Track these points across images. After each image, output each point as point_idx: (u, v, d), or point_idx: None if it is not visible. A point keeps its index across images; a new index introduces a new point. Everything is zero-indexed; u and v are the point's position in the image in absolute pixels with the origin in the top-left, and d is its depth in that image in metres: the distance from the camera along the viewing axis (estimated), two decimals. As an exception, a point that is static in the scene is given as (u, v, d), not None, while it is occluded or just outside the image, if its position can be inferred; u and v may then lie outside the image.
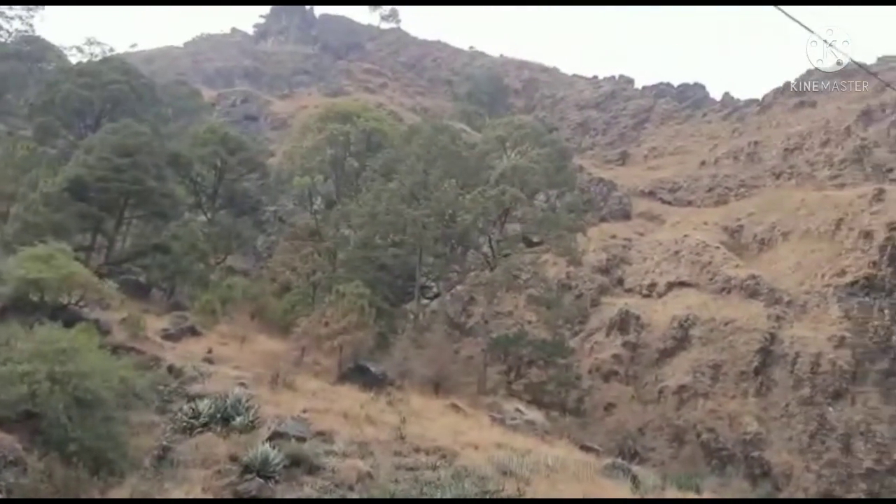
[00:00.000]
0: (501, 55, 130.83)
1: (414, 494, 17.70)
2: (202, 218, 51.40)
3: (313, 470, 18.43)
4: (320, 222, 51.03)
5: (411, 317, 42.44)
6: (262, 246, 59.86)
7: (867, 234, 54.34)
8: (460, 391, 34.58)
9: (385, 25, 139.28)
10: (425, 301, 46.57)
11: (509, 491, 18.30)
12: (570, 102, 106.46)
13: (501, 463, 20.21)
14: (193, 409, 20.85)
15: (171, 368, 25.62)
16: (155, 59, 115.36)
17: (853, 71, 74.74)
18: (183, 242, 39.87)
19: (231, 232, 50.87)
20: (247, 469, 17.59)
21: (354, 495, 17.77)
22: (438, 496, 17.56)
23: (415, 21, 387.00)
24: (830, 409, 46.05)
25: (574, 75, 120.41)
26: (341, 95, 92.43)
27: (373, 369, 31.78)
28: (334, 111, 57.50)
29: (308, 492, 17.61)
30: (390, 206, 40.91)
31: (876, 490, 42.29)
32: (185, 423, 20.30)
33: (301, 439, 19.77)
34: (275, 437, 19.58)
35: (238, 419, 20.36)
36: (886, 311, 50.33)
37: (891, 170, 68.50)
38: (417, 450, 20.92)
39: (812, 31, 10.95)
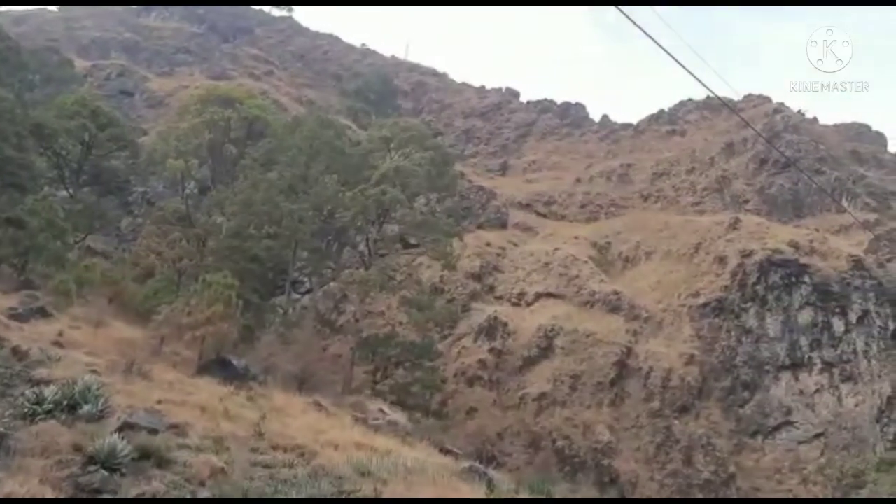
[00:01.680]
0: (393, 56, 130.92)
1: (268, 493, 17.21)
2: (63, 193, 48.18)
3: (164, 463, 17.54)
4: (191, 208, 48.91)
5: (280, 311, 41.46)
6: (127, 228, 56.73)
7: (721, 259, 58.51)
8: (325, 389, 34.08)
9: (277, 13, 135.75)
10: (296, 296, 45.76)
11: (366, 492, 18.17)
12: (457, 109, 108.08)
13: (360, 463, 20.00)
14: (37, 395, 19.30)
15: (15, 350, 23.62)
16: (25, 20, 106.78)
17: (721, 105, 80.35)
18: (39, 217, 37.04)
19: (94, 211, 47.97)
20: (91, 460, 16.47)
21: (206, 492, 17.07)
22: (294, 494, 17.19)
23: (307, 11, 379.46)
24: (676, 422, 49.05)
25: (463, 83, 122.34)
26: (225, 79, 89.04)
27: (235, 363, 30.67)
28: (216, 94, 55.46)
29: (156, 486, 16.74)
30: (267, 197, 39.84)
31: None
32: (26, 410, 18.75)
33: (153, 431, 18.79)
34: (125, 427, 18.48)
35: (86, 408, 19.06)
36: (733, 333, 54.36)
37: (747, 200, 74.18)
38: (275, 447, 20.37)
39: (682, 66, 11.63)
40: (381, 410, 31.26)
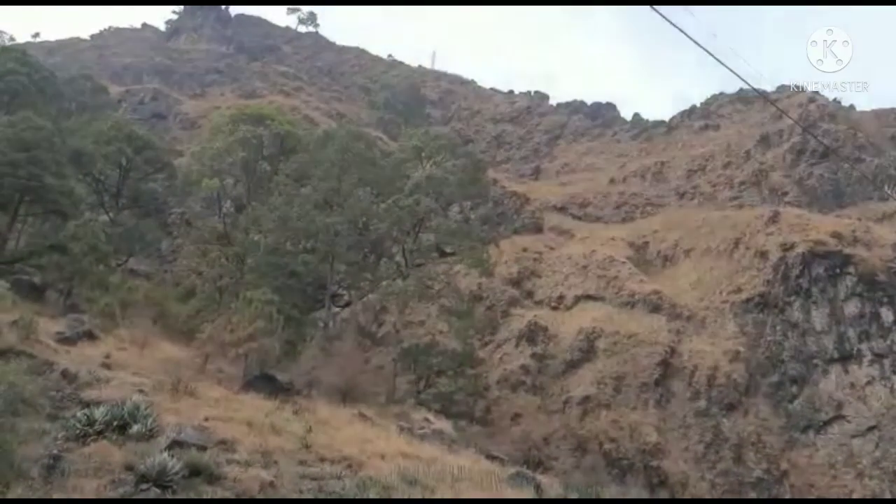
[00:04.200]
0: (420, 66, 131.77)
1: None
2: (104, 218, 49.20)
3: (213, 479, 17.76)
4: (229, 226, 49.64)
5: (321, 325, 41.78)
6: (167, 249, 57.75)
7: (762, 254, 57.44)
8: (369, 400, 34.24)
9: (303, 29, 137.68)
10: (336, 309, 46.07)
11: (414, 500, 18.18)
12: (487, 116, 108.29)
13: (407, 472, 20.04)
14: (88, 416, 19.71)
15: (65, 373, 24.15)
16: (58, 50, 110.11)
17: (754, 97, 79.20)
18: (82, 243, 37.93)
19: (134, 233, 48.90)
20: (143, 479, 16.75)
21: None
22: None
23: (333, 26, 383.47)
24: (724, 420, 48.19)
25: (491, 89, 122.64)
26: (255, 97, 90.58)
27: (279, 378, 31.05)
28: (247, 113, 56.11)
29: (209, 505, 16.96)
30: (302, 212, 40.21)
31: (765, 497, 44.50)
32: (78, 431, 19.16)
33: (202, 448, 19.03)
34: (174, 445, 18.76)
35: (135, 427, 19.40)
36: (778, 328, 53.28)
37: (786, 193, 72.83)
38: (323, 459, 20.50)
39: (710, 53, 11.47)
40: (426, 419, 31.30)
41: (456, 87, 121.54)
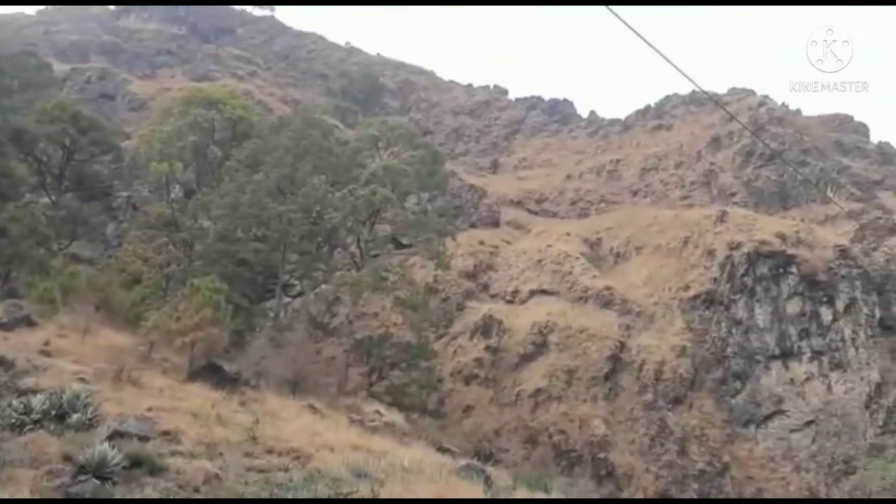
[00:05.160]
0: (378, 54, 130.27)
1: (264, 496, 16.98)
2: (46, 200, 47.44)
3: (156, 471, 17.28)
4: (177, 212, 48.29)
5: (271, 315, 41.10)
6: (112, 234, 56.06)
7: (710, 252, 58.72)
8: (320, 392, 33.83)
9: (259, 12, 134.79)
10: (287, 299, 45.39)
11: (363, 493, 17.98)
12: (446, 107, 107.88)
13: (356, 465, 19.81)
14: (24, 405, 18.96)
15: (1, 361, 23.27)
16: (1, 27, 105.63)
17: (706, 99, 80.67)
18: (22, 225, 36.49)
19: (78, 217, 47.24)
20: (82, 469, 16.18)
21: (200, 498, 16.83)
22: (290, 498, 16.97)
23: (290, 11, 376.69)
24: (670, 413, 49.20)
25: (450, 81, 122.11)
26: (207, 81, 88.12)
27: (227, 368, 30.32)
28: (199, 96, 54.75)
29: (149, 493, 16.48)
30: (254, 199, 39.38)
31: (707, 490, 45.58)
32: (14, 420, 18.44)
33: (144, 439, 18.51)
34: (115, 436, 18.19)
35: (75, 416, 18.75)
36: (723, 324, 54.59)
37: (734, 193, 74.52)
38: (270, 451, 20.14)
39: (667, 59, 11.47)
40: (378, 412, 31.08)
41: (415, 78, 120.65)
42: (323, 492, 17.39)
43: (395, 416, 31.87)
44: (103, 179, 52.87)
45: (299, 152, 42.53)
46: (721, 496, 45.34)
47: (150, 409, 21.39)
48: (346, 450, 21.49)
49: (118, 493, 16.11)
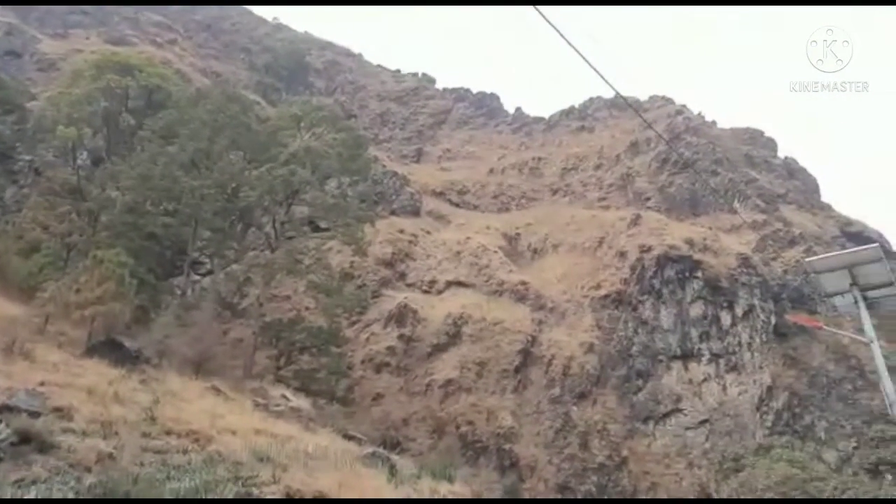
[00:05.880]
0: (306, 32, 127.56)
1: (160, 478, 16.35)
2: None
3: (46, 448, 16.40)
4: (83, 180, 45.92)
5: (178, 292, 39.60)
6: (11, 198, 52.68)
7: (622, 254, 60.46)
8: (225, 374, 32.90)
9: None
10: (196, 277, 43.85)
11: (264, 477, 17.60)
12: (372, 92, 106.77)
13: (259, 449, 19.38)
14: None
15: None
16: None
17: (629, 103, 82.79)
18: None
19: (-28, 179, 44.30)
20: (-35, 445, 15.19)
21: (91, 478, 16.04)
22: (187, 481, 16.42)
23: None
24: (575, 408, 50.41)
25: (378, 66, 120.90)
26: (124, 45, 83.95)
27: (127, 345, 29.09)
28: (114, 60, 52.03)
29: (37, 471, 15.61)
30: (167, 172, 37.77)
31: (604, 483, 46.99)
32: None
33: (34, 415, 17.53)
34: (3, 410, 17.19)
35: (-42, 390, 17.62)
36: (630, 324, 56.33)
37: (649, 198, 76.90)
38: (169, 432, 19.43)
39: (589, 62, 11.58)
40: (284, 396, 30.50)
41: (342, 59, 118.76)
42: (222, 475, 16.91)
43: (302, 402, 31.38)
44: (5, 140, 49.76)
45: (217, 126, 41.04)
46: (618, 490, 46.85)
47: (42, 384, 20.32)
48: (248, 434, 20.99)
49: (4, 469, 15.20)
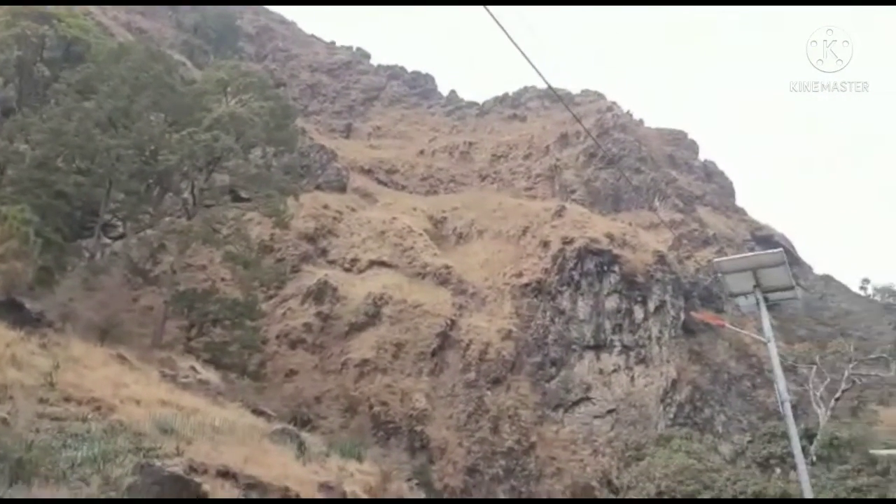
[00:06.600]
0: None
1: (56, 446, 15.68)
2: None
3: (-67, 412, 15.50)
4: (-10, 130, 43.23)
5: (87, 255, 37.79)
6: None
7: (545, 244, 61.55)
8: (132, 342, 31.77)
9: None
10: (107, 241, 41.96)
11: (167, 449, 17.14)
12: (304, 62, 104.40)
13: (163, 420, 18.86)
14: None
15: None
16: None
17: (561, 96, 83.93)
18: None
19: None
20: None
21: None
22: (85, 449, 15.81)
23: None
24: (489, 392, 51.21)
25: (312, 35, 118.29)
26: (44, -8, 79.33)
27: (28, 306, 27.68)
28: (30, 7, 49.04)
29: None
30: (81, 128, 35.84)
31: (512, 467, 48.01)
32: None
33: (-81, 376, 16.53)
34: None
35: None
36: (548, 313, 57.50)
37: (574, 191, 78.44)
38: (68, 399, 18.65)
39: (524, 54, 11.63)
40: (193, 368, 29.69)
41: (275, 26, 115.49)
42: (123, 445, 16.36)
43: (212, 375, 30.63)
44: None
45: (138, 85, 39.19)
46: (525, 474, 47.96)
47: (-72, 344, 19.17)
48: (153, 404, 20.39)
49: None
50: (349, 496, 18.50)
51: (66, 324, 28.41)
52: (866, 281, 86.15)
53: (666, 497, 42.55)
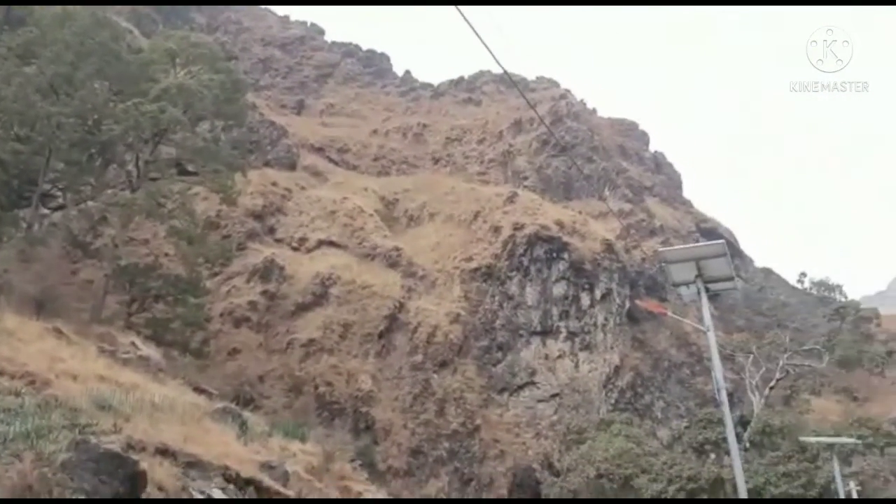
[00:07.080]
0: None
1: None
2: None
3: None
4: (-79, 91, 41.09)
5: (24, 225, 36.39)
6: None
7: (496, 229, 61.89)
8: (70, 316, 30.80)
9: None
10: (46, 211, 40.41)
11: (104, 426, 16.72)
12: (256, 35, 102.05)
13: (101, 396, 18.37)
14: None
15: None
16: None
17: (516, 81, 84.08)
18: None
19: None
20: None
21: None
22: (17, 424, 15.31)
23: None
24: (435, 375, 51.49)
25: (265, 9, 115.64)
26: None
27: (-41, 277, 26.67)
28: (-33, -38, 46.67)
29: None
30: (21, 94, 34.33)
31: (456, 448, 48.45)
32: None
33: None
34: None
35: None
36: (496, 298, 57.96)
37: (526, 178, 78.94)
38: (1, 373, 18.04)
39: (481, 38, 11.54)
40: (133, 344, 28.95)
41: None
42: (58, 421, 15.91)
43: (153, 351, 29.91)
44: None
45: (82, 52, 37.65)
46: (468, 456, 48.46)
47: None
48: (91, 380, 19.83)
49: None
50: (291, 476, 18.36)
51: (0, 296, 27.41)
52: (803, 275, 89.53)
53: (605, 478, 43.54)
